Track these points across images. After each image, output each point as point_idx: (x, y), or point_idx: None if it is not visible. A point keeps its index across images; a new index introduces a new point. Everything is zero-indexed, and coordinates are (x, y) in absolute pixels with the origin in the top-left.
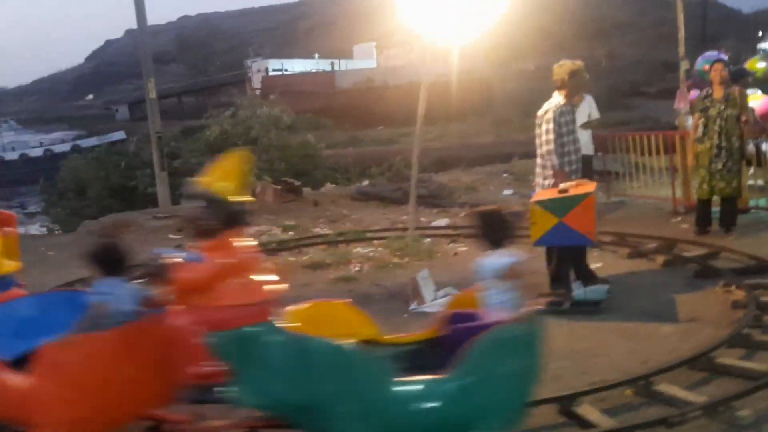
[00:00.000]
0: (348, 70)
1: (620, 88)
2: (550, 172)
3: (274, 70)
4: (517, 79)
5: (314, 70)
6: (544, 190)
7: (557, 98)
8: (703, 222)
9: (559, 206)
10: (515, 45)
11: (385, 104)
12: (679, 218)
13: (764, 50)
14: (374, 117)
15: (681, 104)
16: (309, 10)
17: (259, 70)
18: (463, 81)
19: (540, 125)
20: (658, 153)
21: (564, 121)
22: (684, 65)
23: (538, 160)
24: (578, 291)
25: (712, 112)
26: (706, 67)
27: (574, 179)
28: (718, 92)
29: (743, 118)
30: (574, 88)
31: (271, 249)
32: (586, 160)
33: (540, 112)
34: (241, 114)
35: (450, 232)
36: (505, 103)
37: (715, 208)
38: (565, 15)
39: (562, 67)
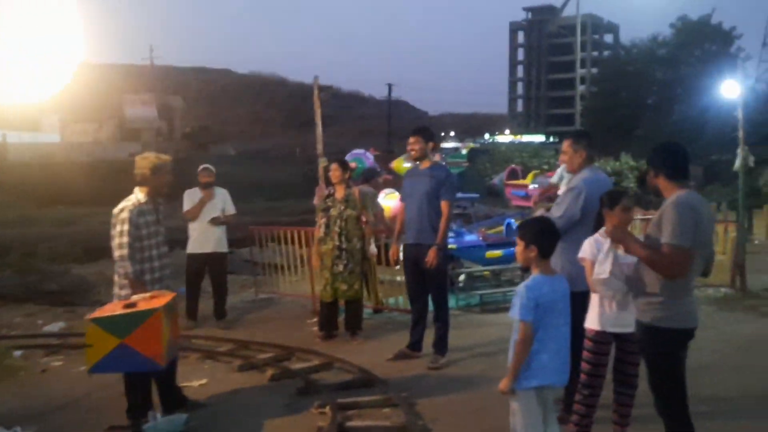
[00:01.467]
0: (25, 143)
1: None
2: (126, 281)
3: None
4: (217, 163)
5: None
6: (111, 303)
7: (137, 195)
8: (328, 326)
9: (120, 324)
10: (223, 128)
11: (67, 182)
12: (315, 319)
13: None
14: (55, 195)
15: (319, 200)
16: None
17: None
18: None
19: (114, 225)
20: (306, 247)
21: (144, 222)
22: (322, 162)
23: (116, 267)
24: (151, 423)
25: (333, 212)
26: (353, 164)
27: (156, 290)
28: (339, 192)
29: (364, 219)
30: (157, 185)
31: None
32: (219, 258)
33: (115, 211)
34: None
35: (52, 341)
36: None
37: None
38: (275, 104)
39: (145, 161)
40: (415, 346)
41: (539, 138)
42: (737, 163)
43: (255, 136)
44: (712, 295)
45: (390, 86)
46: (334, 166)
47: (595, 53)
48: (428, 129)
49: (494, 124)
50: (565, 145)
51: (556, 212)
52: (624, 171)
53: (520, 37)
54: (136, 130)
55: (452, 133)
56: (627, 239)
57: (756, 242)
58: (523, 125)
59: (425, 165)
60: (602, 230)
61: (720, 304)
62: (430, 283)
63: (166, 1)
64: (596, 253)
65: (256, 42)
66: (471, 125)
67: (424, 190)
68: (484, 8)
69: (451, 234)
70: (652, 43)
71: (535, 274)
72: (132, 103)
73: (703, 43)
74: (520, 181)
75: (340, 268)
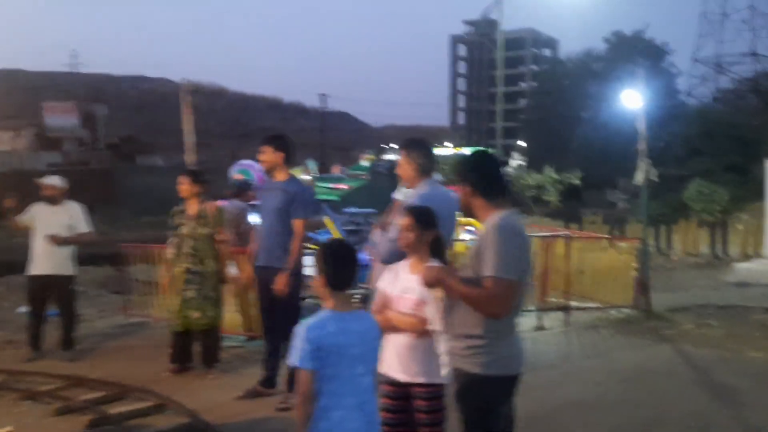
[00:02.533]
0: None
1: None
2: None
3: None
4: (143, 175)
5: None
6: None
7: None
8: (181, 358)
9: None
10: (157, 138)
11: None
12: None
13: (306, 163)
14: None
15: None
16: None
17: None
18: (79, 172)
19: None
20: None
21: None
22: None
23: None
24: None
25: (184, 230)
26: (239, 176)
27: None
28: (191, 208)
29: (219, 238)
30: None
31: None
32: (62, 281)
33: None
34: None
35: None
36: (126, 198)
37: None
38: (212, 115)
39: None
40: (267, 382)
41: None
42: (639, 177)
43: (192, 147)
44: (613, 316)
45: (324, 96)
46: (181, 178)
47: (535, 67)
48: (281, 138)
49: (436, 136)
50: (401, 155)
51: (391, 233)
52: (545, 184)
53: (462, 50)
54: (57, 139)
55: (392, 145)
56: (445, 278)
57: (674, 258)
58: (464, 138)
59: (279, 178)
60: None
61: (619, 326)
62: (279, 311)
63: (104, 10)
64: (388, 285)
65: (196, 51)
66: (413, 137)
67: (274, 207)
68: (428, 21)
69: None
70: (587, 57)
71: (325, 308)
72: (52, 111)
73: (636, 58)
74: None
75: (191, 293)
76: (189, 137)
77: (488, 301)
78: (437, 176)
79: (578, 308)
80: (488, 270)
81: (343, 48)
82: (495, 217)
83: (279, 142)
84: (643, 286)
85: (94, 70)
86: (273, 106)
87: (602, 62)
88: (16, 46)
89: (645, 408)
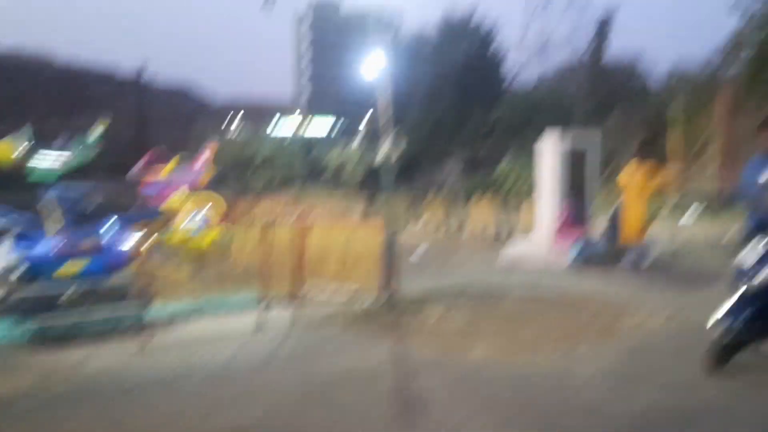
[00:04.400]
0: None
1: None
2: None
3: None
4: None
5: None
6: None
7: None
8: None
9: None
10: None
11: None
12: None
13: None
14: None
15: None
16: None
17: None
18: None
19: None
20: None
21: None
22: None
23: None
24: None
25: None
26: None
27: None
28: None
29: None
30: None
31: None
32: None
33: None
34: None
35: None
36: None
37: None
38: (37, 88)
39: None
40: None
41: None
42: (381, 154)
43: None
44: (354, 309)
45: (142, 69)
46: None
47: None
48: None
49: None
50: None
51: None
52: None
53: (306, 29)
54: None
55: (236, 123)
56: None
57: (465, 237)
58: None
59: None
60: None
61: (354, 322)
62: None
63: None
64: None
65: (20, 14)
66: (258, 115)
67: None
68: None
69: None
70: (418, 41)
71: None
72: None
73: (464, 47)
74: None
75: None
76: None
77: None
78: None
79: (311, 302)
80: None
81: (187, 23)
82: None
83: None
84: (388, 275)
85: None
86: (105, 80)
87: (431, 48)
88: None
89: None
